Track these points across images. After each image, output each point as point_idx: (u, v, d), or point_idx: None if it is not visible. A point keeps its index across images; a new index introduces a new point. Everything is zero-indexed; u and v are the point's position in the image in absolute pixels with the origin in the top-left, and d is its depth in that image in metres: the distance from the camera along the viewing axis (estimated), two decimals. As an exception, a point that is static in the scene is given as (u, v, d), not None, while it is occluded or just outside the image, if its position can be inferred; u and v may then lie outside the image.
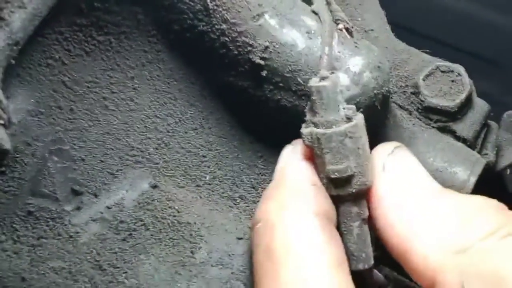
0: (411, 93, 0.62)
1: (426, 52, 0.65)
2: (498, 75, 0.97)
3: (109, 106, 0.57)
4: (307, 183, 0.47)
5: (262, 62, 0.52)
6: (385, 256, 0.48)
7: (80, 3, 0.53)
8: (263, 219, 0.46)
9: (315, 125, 0.47)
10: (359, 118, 0.47)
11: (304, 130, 0.47)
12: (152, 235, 0.55)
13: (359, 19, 0.65)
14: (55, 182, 0.55)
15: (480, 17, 0.99)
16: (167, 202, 0.56)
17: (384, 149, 0.49)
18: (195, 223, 0.55)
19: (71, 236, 0.55)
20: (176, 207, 0.56)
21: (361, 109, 0.50)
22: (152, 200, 0.56)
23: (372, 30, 0.64)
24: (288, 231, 0.44)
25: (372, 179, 0.47)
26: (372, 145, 0.49)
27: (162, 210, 0.56)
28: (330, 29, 0.50)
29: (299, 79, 0.51)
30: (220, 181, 0.59)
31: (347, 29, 0.52)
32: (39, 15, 0.50)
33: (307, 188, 0.47)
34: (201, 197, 0.58)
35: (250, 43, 0.52)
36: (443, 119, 0.61)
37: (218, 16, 0.52)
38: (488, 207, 0.44)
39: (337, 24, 0.52)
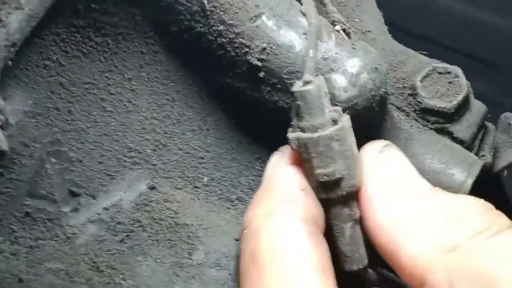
0: (409, 94, 0.62)
1: (423, 54, 0.65)
2: (495, 76, 0.97)
3: (107, 107, 0.57)
4: (295, 188, 0.47)
5: (259, 64, 0.52)
6: (377, 256, 0.48)
7: (77, 4, 0.53)
8: (250, 225, 0.46)
9: (302, 129, 0.47)
10: (345, 120, 0.47)
11: (291, 135, 0.47)
12: (149, 236, 0.55)
13: (356, 20, 0.65)
14: (53, 184, 0.55)
15: (477, 18, 0.99)
16: (165, 203, 0.56)
17: (373, 148, 0.49)
18: (192, 224, 0.55)
19: (68, 238, 0.55)
20: (174, 209, 0.56)
21: (358, 111, 0.50)
22: (150, 202, 0.56)
23: (369, 31, 0.64)
24: (274, 236, 0.44)
25: (361, 180, 0.47)
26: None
27: (160, 212, 0.56)
28: (316, 31, 0.50)
29: (296, 81, 0.51)
30: (218, 183, 0.59)
31: (344, 30, 0.52)
32: (36, 16, 0.50)
33: (295, 194, 0.47)
34: (198, 199, 0.58)
35: (248, 44, 0.52)
36: (441, 120, 0.61)
37: (215, 17, 0.52)
38: (476, 206, 0.45)
39: (334, 25, 0.52)
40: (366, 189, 0.47)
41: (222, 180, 0.59)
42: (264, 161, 0.59)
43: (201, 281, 0.53)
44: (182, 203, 0.57)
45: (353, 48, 0.52)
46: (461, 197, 0.46)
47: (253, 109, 0.55)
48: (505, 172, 0.67)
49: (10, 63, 0.50)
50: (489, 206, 0.45)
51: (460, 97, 0.60)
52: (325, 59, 0.51)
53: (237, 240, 0.55)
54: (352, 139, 0.47)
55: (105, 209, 0.56)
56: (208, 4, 0.52)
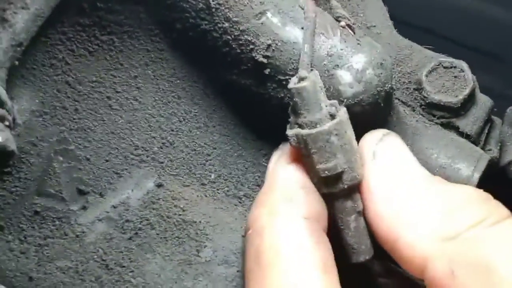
0: (414, 89, 0.62)
1: (428, 48, 0.64)
2: (500, 69, 0.97)
3: (113, 105, 0.57)
4: (297, 186, 0.47)
5: (265, 60, 0.52)
6: (381, 249, 0.49)
7: (82, 3, 0.54)
8: (254, 224, 0.47)
9: (300, 126, 0.47)
10: (343, 113, 0.47)
11: (290, 132, 0.47)
12: (158, 234, 0.55)
13: (361, 15, 0.65)
14: (61, 182, 0.56)
15: (481, 11, 0.99)
16: (173, 201, 0.57)
17: (373, 137, 0.49)
18: (200, 221, 0.56)
19: (77, 236, 0.55)
20: (182, 206, 0.56)
21: (364, 107, 0.50)
22: (158, 199, 0.57)
23: (374, 26, 0.64)
24: (277, 235, 0.45)
25: (362, 171, 0.48)
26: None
27: (168, 209, 0.56)
28: (312, 26, 0.50)
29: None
30: (225, 180, 0.59)
31: (349, 26, 0.52)
32: (42, 15, 0.51)
33: (297, 192, 0.47)
34: (206, 196, 0.58)
35: (253, 41, 0.52)
36: (447, 115, 0.61)
37: (220, 14, 0.52)
38: (475, 196, 0.45)
39: (339, 21, 0.52)
40: (366, 180, 0.47)
41: (229, 177, 0.59)
42: (270, 157, 0.59)
43: (209, 278, 0.53)
44: (190, 200, 0.57)
45: (358, 44, 0.52)
46: (460, 187, 0.46)
47: (258, 105, 0.56)
48: (509, 168, 0.67)
49: (16, 63, 0.50)
50: (487, 196, 0.45)
51: (466, 92, 0.60)
52: (330, 55, 0.51)
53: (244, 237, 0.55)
54: (350, 132, 0.48)
55: (113, 207, 0.56)
56: (213, 1, 0.52)
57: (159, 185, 0.57)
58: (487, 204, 0.44)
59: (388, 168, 0.48)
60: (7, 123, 0.48)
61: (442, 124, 0.61)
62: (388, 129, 0.57)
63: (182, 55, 0.57)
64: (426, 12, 1.01)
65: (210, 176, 0.59)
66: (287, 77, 0.52)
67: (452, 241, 0.42)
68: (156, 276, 0.53)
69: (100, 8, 0.54)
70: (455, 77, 0.61)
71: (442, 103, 0.60)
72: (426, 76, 0.61)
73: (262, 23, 0.52)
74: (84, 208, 0.56)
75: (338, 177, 0.47)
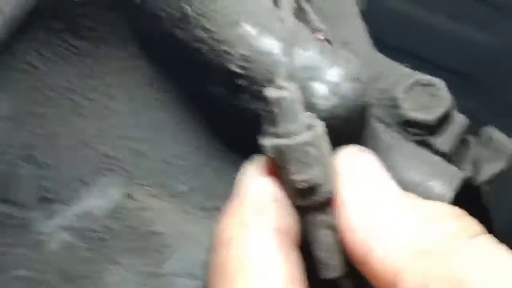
0: (390, 106, 0.62)
1: (406, 66, 0.65)
2: (474, 89, 0.98)
3: (83, 112, 0.56)
4: (269, 198, 0.46)
5: (240, 71, 0.51)
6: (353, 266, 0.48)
7: (56, 7, 0.52)
8: (222, 235, 0.45)
9: (276, 136, 0.46)
10: (320, 125, 0.46)
11: (266, 142, 0.46)
12: (122, 244, 0.54)
13: (339, 31, 0.64)
14: (25, 189, 0.54)
15: (456, 33, 1.00)
16: (139, 211, 0.55)
17: (347, 153, 0.49)
18: (166, 233, 0.54)
19: (38, 244, 0.53)
20: (148, 217, 0.55)
21: (339, 121, 0.50)
22: (124, 209, 0.55)
23: (351, 42, 0.64)
24: (245, 247, 0.43)
25: (336, 186, 0.47)
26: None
27: (133, 220, 0.55)
28: (291, 37, 0.49)
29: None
30: (195, 191, 0.58)
31: (327, 40, 0.51)
32: (16, 20, 0.49)
33: (269, 204, 0.46)
34: (175, 207, 0.57)
35: (229, 51, 0.51)
36: (422, 132, 0.61)
37: (197, 24, 0.51)
38: (450, 211, 0.45)
39: (316, 34, 0.52)
40: (340, 195, 0.47)
41: (200, 189, 0.58)
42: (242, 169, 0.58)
43: (173, 291, 0.52)
44: (157, 211, 0.56)
45: (335, 57, 0.51)
46: (433, 203, 0.46)
47: (233, 117, 0.55)
48: (485, 186, 0.67)
49: None
50: (462, 211, 0.45)
51: (442, 110, 0.60)
52: (306, 68, 0.50)
53: None
54: (327, 145, 0.47)
55: (78, 215, 0.54)
56: (190, 11, 0.51)
57: (127, 195, 0.56)
58: (461, 220, 0.44)
59: (361, 183, 0.47)
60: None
61: (417, 142, 0.61)
62: (363, 144, 0.56)
63: (157, 64, 0.56)
64: (403, 33, 1.02)
65: (180, 187, 0.57)
66: (262, 88, 0.51)
67: (425, 255, 0.41)
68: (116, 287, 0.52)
69: (74, 13, 0.53)
70: (431, 95, 0.61)
71: (417, 121, 0.60)
72: (403, 93, 0.61)
73: (238, 33, 0.51)
74: (47, 216, 0.54)
75: (313, 189, 0.46)
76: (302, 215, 0.48)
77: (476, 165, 0.65)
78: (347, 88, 0.50)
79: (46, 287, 0.52)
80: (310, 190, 0.46)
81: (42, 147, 0.54)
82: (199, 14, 0.51)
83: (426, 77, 0.62)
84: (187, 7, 0.51)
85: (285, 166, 0.46)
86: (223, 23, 0.51)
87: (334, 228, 0.48)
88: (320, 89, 0.50)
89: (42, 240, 0.54)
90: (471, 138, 0.66)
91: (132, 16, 0.54)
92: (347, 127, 0.51)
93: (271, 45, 0.51)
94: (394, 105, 0.62)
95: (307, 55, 0.50)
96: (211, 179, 0.58)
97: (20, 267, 0.53)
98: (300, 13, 0.55)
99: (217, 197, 0.58)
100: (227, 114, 0.55)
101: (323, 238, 0.48)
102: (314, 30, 0.53)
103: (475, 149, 0.65)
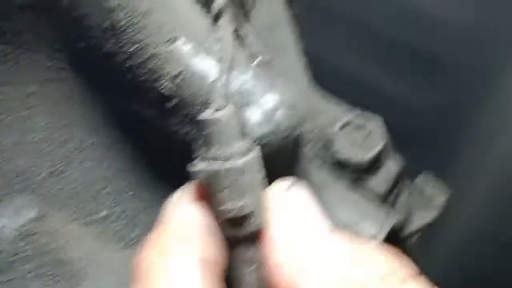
0: (323, 145, 0.61)
1: (343, 104, 0.64)
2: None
3: (0, 124, 0.51)
4: (195, 226, 0.44)
5: (171, 91, 0.48)
6: None
7: None
8: (141, 265, 0.42)
9: (208, 160, 0.43)
10: (256, 151, 0.44)
11: (197, 166, 0.44)
12: (32, 269, 0.49)
13: (279, 62, 0.63)
14: None
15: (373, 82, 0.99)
16: (53, 235, 0.51)
17: (279, 186, 0.47)
18: (80, 260, 0.50)
19: None
20: (62, 241, 0.50)
21: (271, 149, 0.47)
22: (36, 232, 0.50)
23: (290, 74, 0.63)
24: (166, 277, 0.41)
25: (266, 218, 0.45)
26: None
27: (45, 244, 0.50)
28: (229, 58, 0.47)
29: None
30: (116, 218, 0.54)
31: (265, 62, 0.50)
32: None
33: (193, 233, 0.43)
34: (92, 233, 0.53)
35: (160, 69, 0.48)
36: (355, 172, 0.60)
37: (127, 36, 0.48)
38: (384, 250, 0.43)
39: (254, 57, 0.50)
40: (270, 228, 0.44)
41: (121, 216, 0.54)
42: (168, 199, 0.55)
43: (81, 320, 0.47)
44: (73, 236, 0.51)
45: (271, 83, 0.49)
46: (366, 240, 0.44)
47: (162, 140, 0.52)
48: (412, 237, 0.66)
49: None
50: (396, 250, 0.43)
51: (375, 150, 0.59)
52: (240, 92, 0.48)
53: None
54: (262, 173, 0.45)
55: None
56: (120, 21, 0.48)
57: (40, 217, 0.51)
58: (396, 258, 0.42)
59: (292, 218, 0.45)
60: None
61: (350, 181, 0.59)
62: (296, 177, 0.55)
63: (84, 77, 0.52)
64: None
65: (100, 212, 0.54)
66: (194, 110, 0.49)
67: None
68: None
69: None
70: (366, 135, 0.60)
71: (351, 161, 0.59)
72: (337, 132, 0.60)
73: (171, 50, 0.48)
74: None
75: (244, 219, 0.44)
76: (231, 248, 0.45)
77: (408, 212, 0.64)
78: (281, 115, 0.48)
79: None
80: (240, 220, 0.44)
81: None
82: (129, 26, 0.48)
83: (363, 116, 0.61)
84: (118, 15, 0.48)
85: (216, 193, 0.43)
86: (156, 38, 0.48)
87: (261, 265, 0.45)
88: (253, 115, 0.48)
89: None
90: (406, 181, 0.65)
91: (58, 22, 0.50)
92: (279, 156, 0.49)
93: (207, 65, 0.48)
94: (327, 144, 0.60)
95: (243, 78, 0.48)
96: (134, 207, 0.55)
97: None
98: (238, 36, 0.54)
99: (140, 227, 0.54)
100: (156, 137, 0.52)
101: (249, 277, 0.45)
102: (253, 54, 0.51)
103: (409, 192, 0.65)
